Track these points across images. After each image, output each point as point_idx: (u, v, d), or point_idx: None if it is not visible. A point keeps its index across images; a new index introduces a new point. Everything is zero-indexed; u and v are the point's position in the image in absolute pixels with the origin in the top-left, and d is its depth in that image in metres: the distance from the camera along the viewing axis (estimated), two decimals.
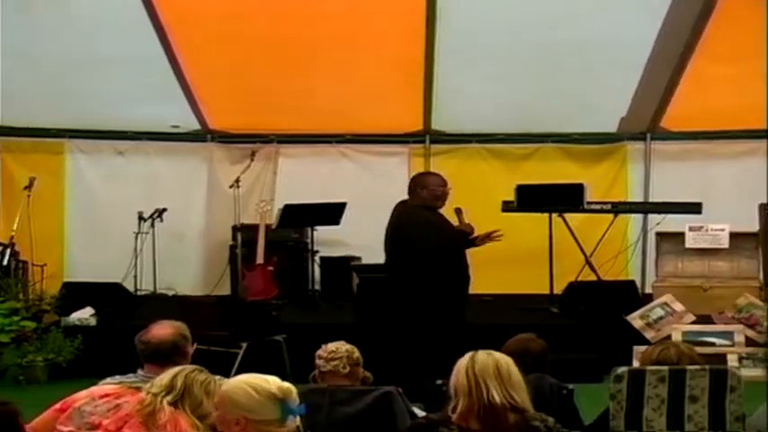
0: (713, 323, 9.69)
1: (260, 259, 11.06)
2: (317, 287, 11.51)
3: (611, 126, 11.82)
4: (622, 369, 5.22)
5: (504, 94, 10.98)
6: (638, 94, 11.01)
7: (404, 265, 8.05)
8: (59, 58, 10.39)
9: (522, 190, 10.65)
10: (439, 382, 5.55)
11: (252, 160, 12.00)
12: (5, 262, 10.61)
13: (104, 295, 10.50)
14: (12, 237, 10.86)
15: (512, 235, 10.92)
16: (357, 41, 10.33)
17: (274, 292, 11.00)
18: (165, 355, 4.81)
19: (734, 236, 10.42)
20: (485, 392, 4.11)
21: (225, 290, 11.67)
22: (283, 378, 4.09)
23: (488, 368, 4.17)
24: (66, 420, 4.27)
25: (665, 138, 11.91)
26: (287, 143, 12.29)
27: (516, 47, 10.28)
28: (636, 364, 7.94)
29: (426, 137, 12.10)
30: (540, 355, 5.66)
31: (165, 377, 4.25)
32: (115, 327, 9.83)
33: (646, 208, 11.47)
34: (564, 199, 10.57)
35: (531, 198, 10.57)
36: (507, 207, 10.72)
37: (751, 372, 8.91)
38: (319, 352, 5.44)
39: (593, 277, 10.53)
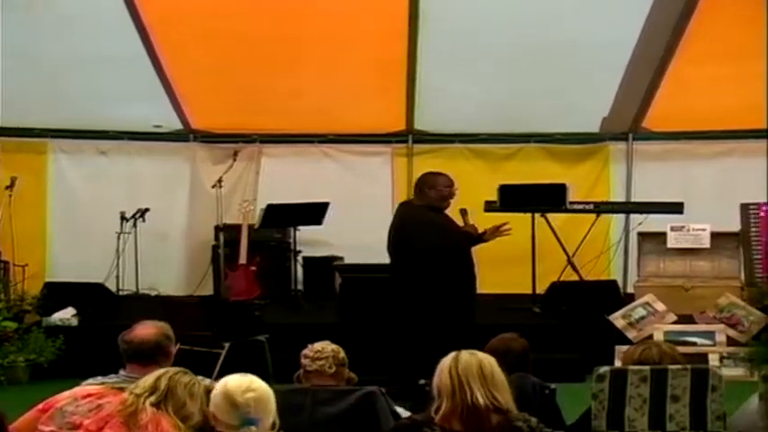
0: (695, 323, 9.73)
1: (242, 259, 11.05)
2: (300, 287, 11.51)
3: (594, 126, 11.85)
4: (604, 369, 5.23)
5: (486, 94, 11.00)
6: (619, 94, 11.05)
7: (407, 266, 8.04)
8: (42, 58, 10.36)
9: (504, 190, 10.66)
10: (422, 382, 5.56)
11: (234, 160, 11.99)
12: None
13: (86, 295, 10.48)
14: None
15: None
16: (340, 42, 10.33)
17: (257, 292, 10.99)
18: (147, 355, 4.80)
19: (715, 236, 10.45)
20: (468, 394, 4.12)
21: (207, 290, 11.66)
22: (266, 378, 4.11)
23: (472, 369, 4.17)
24: (48, 420, 4.25)
25: (646, 138, 11.95)
26: (269, 143, 12.29)
27: (499, 47, 10.29)
28: (618, 363, 7.98)
29: (409, 137, 12.11)
30: (522, 354, 5.67)
31: (148, 378, 4.25)
32: (97, 327, 9.82)
33: (628, 208, 11.51)
34: (546, 199, 10.59)
35: (513, 198, 10.59)
36: (490, 207, 10.73)
37: (732, 371, 8.95)
38: (305, 351, 5.44)
39: (575, 277, 10.56)
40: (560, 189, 10.61)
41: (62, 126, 11.87)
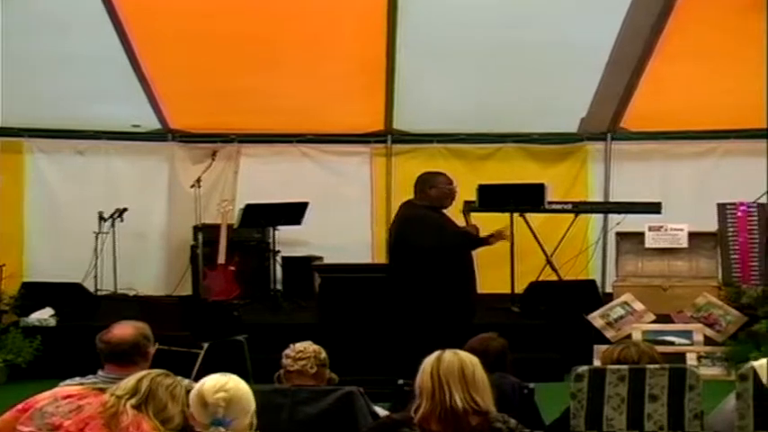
0: (672, 322, 9.77)
1: (221, 259, 11.03)
2: (279, 287, 11.49)
3: (572, 126, 11.89)
4: (583, 368, 5.25)
5: (465, 94, 11.01)
6: (598, 94, 11.08)
7: (407, 265, 8.04)
8: (18, 56, 10.29)
9: (483, 190, 10.66)
10: (400, 381, 5.56)
11: (213, 160, 11.98)
12: None
13: (64, 295, 10.43)
14: None
15: None
16: (318, 42, 10.32)
17: (236, 291, 10.98)
18: (125, 356, 4.79)
19: (693, 236, 10.51)
20: (447, 396, 4.12)
21: (186, 290, 11.63)
22: (245, 378, 4.11)
23: (453, 370, 4.17)
24: (27, 421, 4.23)
25: (624, 138, 11.99)
26: (248, 143, 12.27)
27: (477, 48, 10.31)
28: (596, 363, 8.01)
29: (388, 137, 12.12)
30: (500, 354, 5.69)
31: (130, 380, 4.24)
32: (75, 327, 9.77)
33: (606, 208, 11.54)
34: (525, 199, 10.60)
35: (492, 198, 10.60)
36: (469, 207, 10.73)
37: (709, 370, 9.00)
38: (287, 351, 5.43)
39: (554, 277, 10.59)
40: (539, 189, 10.63)
41: (40, 126, 11.81)
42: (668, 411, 5.15)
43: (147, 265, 12.10)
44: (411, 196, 11.96)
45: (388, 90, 11.12)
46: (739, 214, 10.63)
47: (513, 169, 11.69)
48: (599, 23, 9.92)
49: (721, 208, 10.69)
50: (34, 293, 10.38)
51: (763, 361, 5.16)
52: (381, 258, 11.88)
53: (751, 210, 10.65)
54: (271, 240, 11.41)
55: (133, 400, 4.14)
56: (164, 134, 12.17)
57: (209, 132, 12.14)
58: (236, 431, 3.96)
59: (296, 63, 10.62)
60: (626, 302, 9.88)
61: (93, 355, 4.89)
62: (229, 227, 11.15)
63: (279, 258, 11.48)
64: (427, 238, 8.01)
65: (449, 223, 8.35)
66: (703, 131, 11.77)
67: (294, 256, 11.63)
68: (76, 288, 10.73)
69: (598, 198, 11.90)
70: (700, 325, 9.57)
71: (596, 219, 11.74)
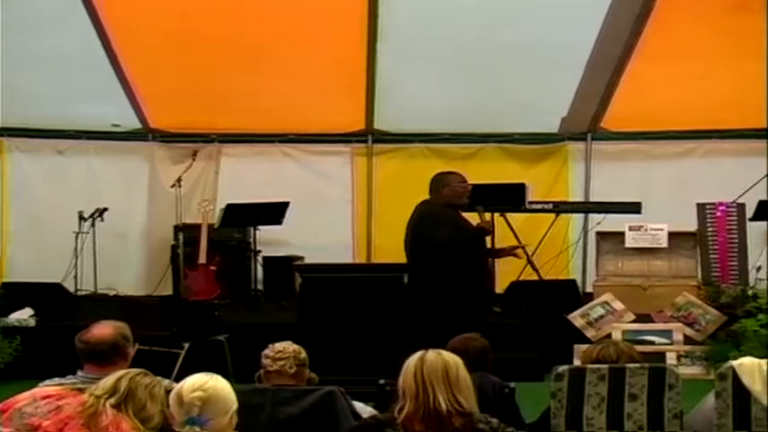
0: (652, 322, 9.80)
1: (202, 259, 11.01)
2: (260, 287, 11.48)
3: (553, 126, 11.91)
4: (563, 368, 5.27)
5: (445, 94, 11.02)
6: (578, 94, 11.11)
7: (424, 263, 8.06)
8: None
9: None
10: (382, 381, 5.57)
11: (194, 160, 11.95)
12: None
13: (44, 296, 10.38)
14: None
15: None
16: (299, 42, 10.31)
17: (217, 291, 10.96)
18: (104, 355, 4.77)
19: (672, 235, 10.54)
20: (431, 398, 4.12)
21: (167, 290, 11.60)
22: (225, 378, 4.11)
23: (437, 371, 4.17)
24: (6, 421, 4.22)
25: (605, 138, 12.02)
26: (229, 143, 12.25)
27: (458, 47, 10.33)
28: (577, 362, 8.03)
29: (369, 136, 12.11)
30: (481, 354, 5.70)
31: (109, 380, 4.23)
32: (55, 327, 9.72)
33: (586, 208, 11.57)
34: (506, 199, 10.61)
35: (473, 198, 10.56)
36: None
37: (689, 369, 9.04)
38: (266, 351, 5.42)
39: (534, 277, 10.59)
40: (520, 189, 10.65)
41: (19, 125, 11.76)
42: (648, 411, 5.17)
43: (128, 265, 12.07)
44: (392, 196, 12.08)
45: (368, 90, 11.12)
46: (718, 214, 10.68)
47: (494, 169, 11.70)
48: (579, 24, 9.94)
49: (701, 208, 10.73)
50: (14, 293, 10.33)
51: (742, 360, 5.19)
52: (362, 258, 11.91)
53: (730, 210, 10.70)
54: (252, 240, 11.41)
55: (112, 400, 4.13)
56: (144, 134, 12.14)
57: (190, 132, 12.12)
58: (214, 431, 3.95)
59: (277, 63, 10.61)
60: (606, 302, 9.90)
61: (73, 355, 4.87)
62: (210, 227, 11.13)
63: (260, 258, 11.46)
64: (442, 234, 8.08)
65: (463, 221, 8.44)
66: (683, 132, 11.81)
67: (275, 256, 11.62)
68: (56, 288, 10.68)
69: (578, 198, 11.93)
70: (679, 324, 9.61)
71: (577, 218, 11.77)
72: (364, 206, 12.15)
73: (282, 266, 11.39)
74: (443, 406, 4.10)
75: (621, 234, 10.59)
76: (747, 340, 8.99)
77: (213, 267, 11.04)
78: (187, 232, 11.29)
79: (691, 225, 10.72)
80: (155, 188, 12.11)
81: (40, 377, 4.81)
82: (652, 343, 9.46)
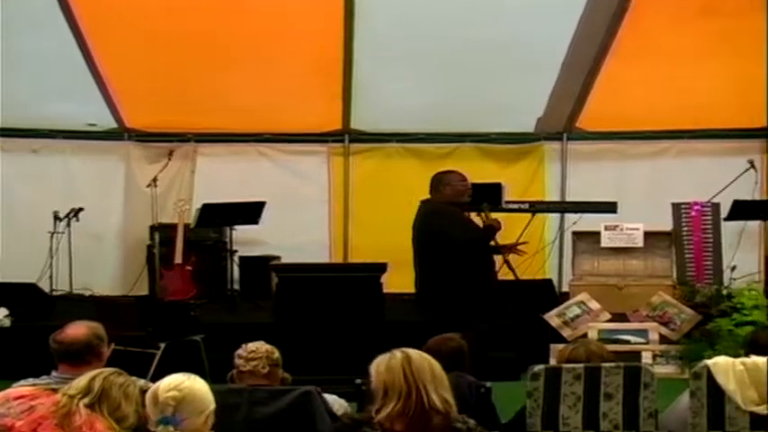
0: (628, 321, 9.83)
1: (178, 259, 10.97)
2: (236, 287, 11.47)
3: (529, 126, 11.94)
4: (539, 367, 5.29)
5: (422, 93, 11.03)
6: (554, 94, 11.14)
7: (441, 260, 8.03)
8: None
9: None
10: (358, 381, 5.57)
11: (169, 159, 11.92)
12: None
13: (19, 296, 10.33)
14: None
15: None
16: (276, 41, 10.30)
17: (193, 291, 10.92)
18: (78, 355, 4.76)
19: (648, 235, 10.57)
20: (424, 396, 4.11)
21: (143, 290, 11.57)
22: (202, 378, 4.10)
23: (425, 370, 4.17)
24: None
25: (580, 138, 12.05)
26: (205, 142, 12.21)
27: (434, 47, 10.34)
28: (553, 362, 8.06)
29: (345, 136, 12.10)
30: (457, 354, 5.71)
31: (82, 379, 4.22)
32: (30, 328, 9.67)
33: (562, 207, 11.58)
34: (482, 198, 10.57)
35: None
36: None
37: (664, 369, 9.08)
38: (239, 351, 5.41)
39: (510, 276, 10.58)
40: (496, 188, 10.64)
41: None
42: (623, 410, 5.20)
43: (103, 265, 12.01)
44: (368, 195, 12.06)
45: (345, 89, 11.13)
46: (693, 214, 10.72)
47: (471, 169, 11.57)
48: (555, 24, 9.97)
49: (676, 207, 10.78)
50: None
51: (717, 359, 5.22)
52: (339, 258, 11.90)
53: (705, 209, 10.75)
54: (228, 240, 11.38)
55: (86, 400, 4.12)
56: (120, 133, 12.09)
57: (166, 132, 12.08)
58: (189, 431, 3.95)
59: (253, 62, 10.60)
60: (582, 301, 9.93)
61: (48, 355, 4.86)
62: (186, 226, 11.09)
63: (236, 258, 11.45)
64: (459, 232, 8.10)
65: (469, 219, 8.52)
66: (658, 131, 11.86)
67: (251, 256, 11.60)
68: (31, 288, 10.64)
69: (554, 197, 11.96)
70: (655, 324, 9.65)
71: (553, 218, 11.78)
72: (341, 206, 12.14)
73: (259, 266, 11.37)
74: (438, 404, 4.10)
75: (597, 234, 10.62)
76: (722, 339, 9.05)
77: (189, 267, 11.00)
78: (163, 232, 11.26)
79: (666, 225, 10.76)
80: (130, 188, 12.06)
81: (14, 378, 4.79)
82: (627, 342, 9.50)
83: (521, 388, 5.50)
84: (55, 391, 4.28)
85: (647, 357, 9.31)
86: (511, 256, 10.53)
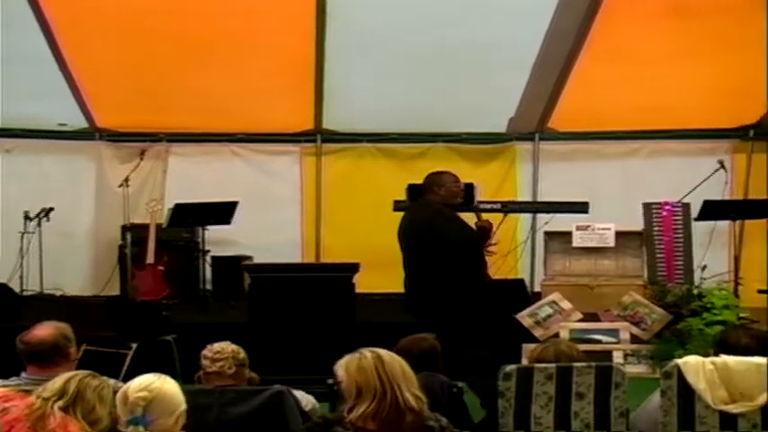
0: (599, 321, 9.86)
1: (150, 259, 10.95)
2: (209, 287, 11.43)
3: (501, 126, 11.97)
4: (511, 367, 5.30)
5: (395, 93, 11.03)
6: (526, 94, 11.17)
7: (437, 261, 8.00)
8: None
9: (413, 189, 10.63)
10: (330, 381, 5.57)
11: (141, 159, 11.88)
12: None
13: None
14: None
15: None
16: (248, 40, 10.29)
17: (165, 291, 10.89)
18: (45, 356, 4.75)
19: (619, 235, 10.59)
20: (399, 395, 4.12)
21: (114, 290, 11.52)
22: (173, 378, 4.09)
23: (396, 370, 4.19)
24: None
25: (552, 138, 12.09)
26: (177, 142, 12.17)
27: (407, 47, 10.35)
28: (525, 361, 8.06)
29: (318, 136, 12.10)
30: (430, 353, 5.72)
31: (56, 382, 4.20)
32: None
33: (534, 207, 11.61)
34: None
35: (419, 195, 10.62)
36: (399, 206, 10.74)
37: (635, 368, 9.09)
38: (204, 352, 5.40)
39: None
40: (468, 188, 10.61)
41: None
42: (595, 409, 5.22)
43: (75, 265, 11.97)
44: (341, 195, 12.04)
45: (317, 89, 11.13)
46: (664, 214, 10.77)
47: (443, 168, 11.70)
48: (527, 24, 10.00)
49: (647, 207, 10.81)
50: None
51: (687, 358, 5.25)
52: (311, 258, 11.89)
53: (676, 209, 10.79)
54: (200, 240, 11.35)
55: (60, 402, 4.11)
56: (91, 133, 12.04)
57: (138, 131, 12.03)
58: (159, 431, 3.94)
59: (225, 62, 10.58)
60: (554, 301, 9.95)
61: (18, 356, 4.83)
62: (158, 226, 11.07)
63: (208, 258, 11.42)
64: (461, 233, 8.09)
65: (464, 221, 8.46)
66: (629, 132, 11.92)
67: (224, 256, 11.57)
68: (1, 288, 10.57)
69: (526, 197, 11.98)
70: (626, 323, 9.67)
71: (525, 218, 11.81)
72: (313, 206, 12.14)
73: (231, 266, 11.35)
74: (413, 402, 4.12)
75: (569, 234, 10.63)
76: (692, 339, 9.09)
77: (161, 267, 10.97)
78: (135, 232, 11.23)
79: (637, 225, 10.79)
80: (102, 188, 12.02)
81: None
82: (599, 342, 9.52)
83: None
84: (27, 392, 4.27)
85: (618, 357, 9.33)
86: None
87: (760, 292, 10.88)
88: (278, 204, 12.10)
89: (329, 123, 11.91)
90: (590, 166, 12.04)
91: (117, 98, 11.42)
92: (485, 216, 8.81)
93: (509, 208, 11.08)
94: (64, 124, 11.86)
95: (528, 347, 8.54)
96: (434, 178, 8.45)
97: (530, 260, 11.85)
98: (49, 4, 9.73)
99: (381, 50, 10.41)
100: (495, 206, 10.91)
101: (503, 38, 10.03)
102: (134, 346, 8.62)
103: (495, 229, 8.77)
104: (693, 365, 5.15)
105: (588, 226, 10.58)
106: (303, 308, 8.42)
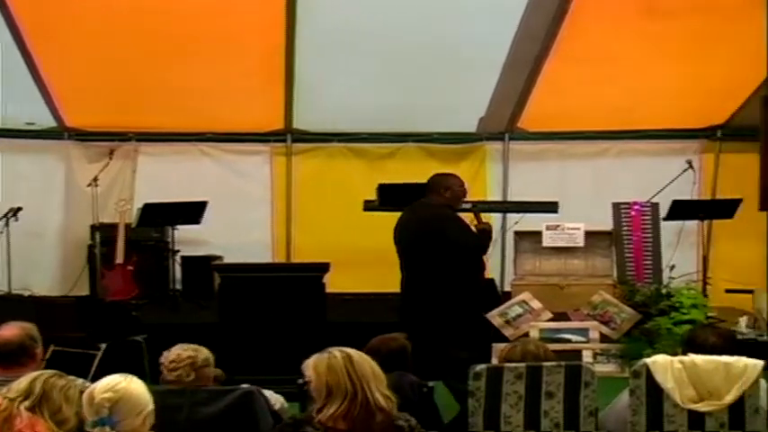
0: (569, 320, 9.90)
1: (119, 259, 10.90)
2: (178, 287, 11.40)
3: (471, 126, 11.99)
4: (481, 367, 5.31)
5: (365, 93, 11.03)
6: (495, 94, 11.19)
7: (441, 262, 7.94)
8: None
9: (383, 189, 10.70)
10: (300, 381, 5.56)
11: (110, 159, 11.82)
12: None
13: None
14: None
15: (373, 234, 10.99)
16: (217, 39, 10.25)
17: (134, 291, 10.86)
18: (11, 356, 4.74)
19: (589, 234, 10.64)
20: (369, 395, 4.13)
21: (83, 290, 11.47)
22: (142, 379, 4.08)
23: (366, 370, 4.19)
24: None
25: (522, 138, 12.12)
26: (146, 141, 12.12)
27: (377, 47, 10.34)
28: (495, 361, 8.08)
29: (288, 135, 12.07)
30: (399, 353, 5.73)
31: (22, 382, 4.18)
32: None
33: (504, 207, 11.64)
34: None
35: (392, 197, 10.61)
36: (369, 206, 10.78)
37: (604, 367, 9.14)
38: (162, 360, 5.32)
39: None
40: None
41: None
42: (564, 408, 5.24)
43: (43, 265, 11.89)
44: (311, 195, 12.03)
45: (287, 89, 11.10)
46: (633, 213, 10.82)
47: (413, 168, 11.69)
48: (496, 25, 10.01)
49: (616, 207, 10.86)
50: None
51: (656, 357, 5.28)
52: (281, 258, 11.87)
53: (644, 209, 10.85)
54: (170, 240, 11.31)
55: (27, 402, 4.09)
56: (60, 132, 11.97)
57: (107, 131, 11.97)
58: (126, 431, 3.93)
59: (195, 61, 10.54)
60: (524, 301, 9.97)
61: None
62: (127, 226, 11.02)
63: (178, 258, 11.39)
64: (464, 236, 8.03)
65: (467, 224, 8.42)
66: (598, 132, 11.96)
67: (194, 256, 11.54)
68: None
69: (496, 197, 12.00)
70: (595, 323, 9.72)
71: (495, 218, 11.82)
72: (283, 206, 12.12)
73: (201, 266, 11.32)
74: (383, 402, 4.12)
75: (539, 233, 10.67)
76: (661, 338, 9.15)
77: (130, 267, 10.93)
78: (104, 232, 11.18)
79: (606, 224, 10.85)
80: (71, 187, 11.96)
81: None
82: (568, 341, 9.55)
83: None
84: None
85: (587, 356, 9.38)
86: None
87: (728, 291, 10.97)
88: (248, 204, 12.08)
89: (299, 123, 11.89)
90: (559, 166, 12.09)
91: (86, 97, 11.35)
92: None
93: (479, 208, 11.02)
94: (32, 123, 11.78)
95: (498, 347, 8.56)
96: (440, 180, 8.37)
97: (500, 260, 11.87)
98: (16, 3, 9.66)
99: (352, 50, 10.40)
100: (465, 206, 10.93)
101: (474, 38, 10.04)
102: (103, 346, 8.58)
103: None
104: (662, 364, 5.18)
105: (558, 226, 10.62)
106: (273, 308, 8.41)
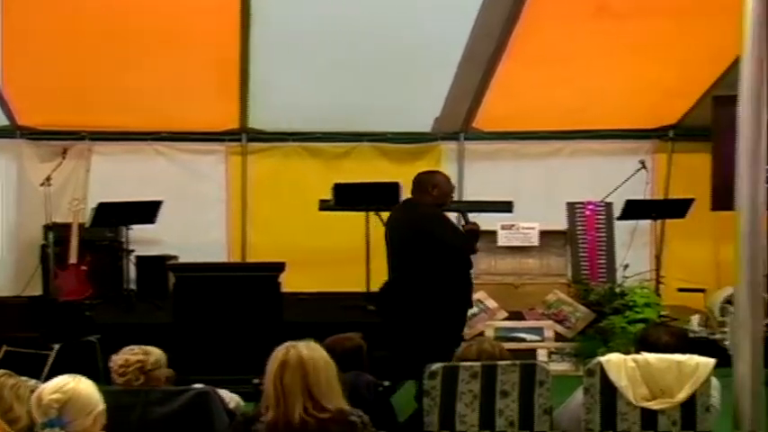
0: (524, 319, 9.96)
1: (73, 259, 10.83)
2: (133, 286, 11.35)
3: (426, 126, 12.01)
4: (436, 366, 5.32)
5: (320, 92, 11.01)
6: (451, 94, 11.22)
7: (430, 263, 7.83)
8: None
9: (338, 189, 10.71)
10: (255, 381, 5.55)
11: (63, 158, 11.73)
12: None
13: None
14: None
15: (329, 233, 11.02)
16: (172, 38, 10.19)
17: (88, 291, 10.78)
18: None
19: (543, 234, 10.72)
20: (290, 408, 4.11)
21: (36, 290, 11.37)
22: (96, 379, 4.07)
23: (296, 381, 4.14)
24: None
25: (477, 138, 12.16)
26: (100, 140, 12.04)
27: (332, 46, 10.33)
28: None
29: (243, 135, 12.04)
30: (355, 353, 5.74)
31: None
32: None
33: (459, 207, 11.66)
34: (380, 197, 10.64)
35: (347, 196, 10.65)
36: (324, 205, 10.78)
37: (559, 366, 9.22)
38: (111, 364, 5.27)
39: None
40: (394, 188, 10.67)
41: None
42: (519, 407, 5.27)
43: None
44: (266, 195, 12.00)
45: (242, 88, 11.07)
46: (587, 213, 10.91)
47: (368, 168, 11.75)
48: (452, 24, 10.02)
49: (570, 207, 10.95)
50: None
51: (610, 356, 5.32)
52: (237, 257, 11.84)
53: (598, 209, 10.95)
54: (124, 239, 11.25)
55: None
56: (12, 131, 11.86)
57: (60, 130, 11.88)
58: None
59: (149, 60, 10.48)
60: (479, 300, 10.02)
61: None
62: (81, 226, 10.95)
63: (132, 257, 11.32)
64: (455, 237, 7.94)
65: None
66: (552, 132, 12.03)
67: (148, 256, 11.49)
68: None
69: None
70: (550, 322, 9.79)
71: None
72: (239, 205, 12.09)
73: (156, 266, 11.28)
74: (297, 417, 4.09)
75: (494, 233, 10.72)
76: (615, 337, 9.23)
77: (84, 267, 10.86)
78: (57, 231, 11.10)
79: (561, 224, 10.92)
80: (23, 187, 11.85)
81: None
82: (523, 340, 9.62)
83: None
84: None
85: (542, 355, 9.45)
86: None
87: (680, 290, 11.08)
88: (203, 204, 12.03)
89: (254, 122, 11.87)
90: (514, 165, 12.13)
91: (38, 96, 11.26)
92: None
93: (454, 207, 11.13)
94: None
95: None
96: (427, 178, 8.17)
97: None
98: None
99: (306, 49, 10.38)
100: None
101: (428, 38, 10.05)
102: (56, 347, 8.53)
103: None
104: (615, 363, 5.22)
105: (513, 225, 10.68)
106: (229, 307, 8.40)
